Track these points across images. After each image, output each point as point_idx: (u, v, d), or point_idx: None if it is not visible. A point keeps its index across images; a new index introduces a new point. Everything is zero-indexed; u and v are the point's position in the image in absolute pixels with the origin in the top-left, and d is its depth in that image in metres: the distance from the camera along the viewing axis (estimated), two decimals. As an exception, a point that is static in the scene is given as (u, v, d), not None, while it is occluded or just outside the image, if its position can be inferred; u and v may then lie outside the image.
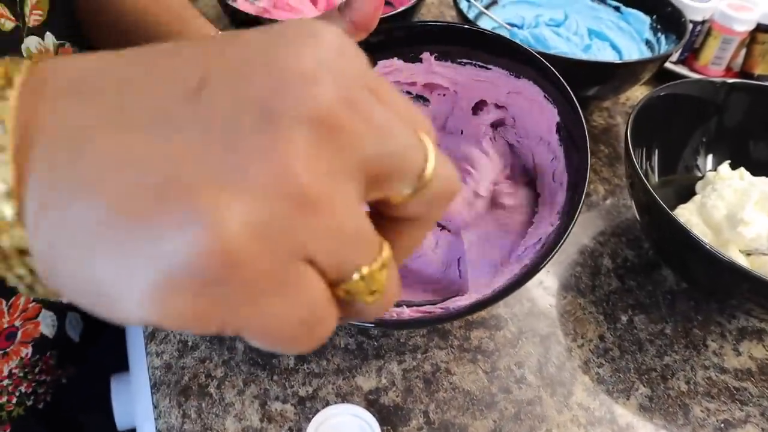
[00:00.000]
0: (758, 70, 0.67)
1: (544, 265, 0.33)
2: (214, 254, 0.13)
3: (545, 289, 0.45)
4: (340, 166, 0.14)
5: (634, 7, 0.64)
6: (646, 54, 0.62)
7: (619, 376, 0.40)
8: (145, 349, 0.40)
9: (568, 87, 0.38)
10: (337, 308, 0.16)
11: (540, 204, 0.41)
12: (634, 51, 0.63)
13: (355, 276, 0.15)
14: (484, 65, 0.42)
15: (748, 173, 0.48)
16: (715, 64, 0.67)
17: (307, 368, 0.39)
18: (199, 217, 0.13)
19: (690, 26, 0.58)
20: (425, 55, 0.42)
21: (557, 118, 0.40)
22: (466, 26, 0.43)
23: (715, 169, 0.51)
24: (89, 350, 0.52)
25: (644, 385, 0.40)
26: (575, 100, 0.38)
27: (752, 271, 0.35)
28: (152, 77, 0.15)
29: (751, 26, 0.64)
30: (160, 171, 0.13)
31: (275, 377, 0.39)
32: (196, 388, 0.38)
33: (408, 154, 0.16)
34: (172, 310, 0.13)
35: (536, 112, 0.41)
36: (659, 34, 0.61)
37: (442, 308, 0.37)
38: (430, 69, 0.43)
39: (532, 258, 0.36)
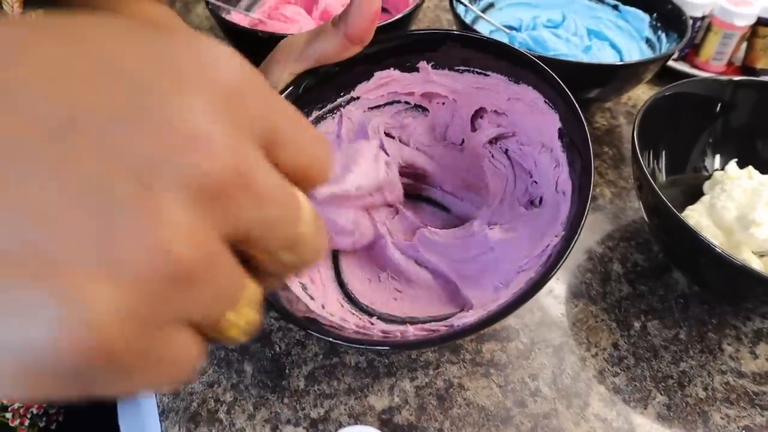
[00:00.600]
0: (760, 64, 0.66)
1: (551, 277, 0.32)
2: (79, 344, 0.11)
3: (555, 297, 0.45)
4: (216, 231, 0.14)
5: (632, 5, 0.64)
6: (647, 52, 0.61)
7: (636, 385, 0.39)
8: (152, 375, 0.39)
9: (568, 91, 0.37)
10: (203, 344, 0.16)
11: (543, 217, 0.40)
12: (634, 50, 0.63)
13: (222, 322, 0.15)
14: (483, 72, 0.41)
15: (756, 172, 0.47)
16: (716, 59, 0.66)
17: (318, 389, 0.38)
18: (60, 301, 0.11)
19: (691, 23, 0.57)
20: (422, 64, 0.41)
21: (559, 124, 0.39)
22: (462, 33, 0.42)
23: (722, 168, 0.50)
24: None
25: (661, 393, 0.39)
26: (576, 104, 0.37)
27: (765, 274, 0.34)
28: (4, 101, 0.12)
29: (752, 21, 0.63)
30: (12, 233, 0.11)
31: (285, 400, 0.38)
32: (205, 413, 0.37)
33: (281, 222, 0.16)
34: (35, 392, 0.12)
35: (537, 118, 0.40)
36: (659, 32, 0.61)
37: (446, 326, 0.36)
38: (428, 78, 0.42)
39: (538, 270, 0.35)
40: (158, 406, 0.38)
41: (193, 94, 0.14)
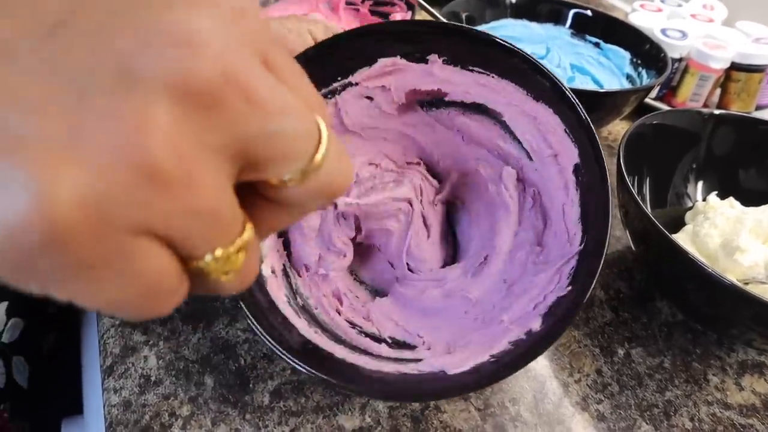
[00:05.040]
0: (734, 108, 0.67)
1: (554, 343, 0.30)
2: (35, 226, 0.11)
3: (537, 320, 0.43)
4: (207, 144, 0.13)
5: (613, 44, 0.65)
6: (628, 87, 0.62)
7: (620, 413, 0.38)
8: (102, 385, 0.36)
9: (591, 125, 0.33)
10: (188, 281, 0.15)
11: (544, 257, 0.37)
12: (615, 85, 0.64)
13: (208, 258, 0.14)
14: (499, 76, 0.37)
15: (737, 202, 0.47)
16: (693, 101, 0.67)
17: (284, 406, 0.35)
18: (25, 179, 0.11)
19: (670, 60, 0.58)
20: (432, 57, 0.37)
21: (577, 159, 0.35)
22: (485, 33, 0.36)
23: (704, 198, 0.50)
24: (39, 401, 0.47)
25: (647, 422, 0.37)
26: (598, 140, 0.33)
27: (757, 295, 0.33)
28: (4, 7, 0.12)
29: (727, 64, 0.65)
30: None
31: (248, 416, 0.35)
32: (158, 428, 0.34)
33: (296, 138, 0.14)
34: None
35: (554, 146, 0.37)
36: (640, 69, 0.62)
37: (417, 371, 0.33)
38: (434, 72, 0.38)
39: (537, 327, 0.32)
40: (105, 419, 0.34)
41: (190, 6, 0.13)
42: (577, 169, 0.35)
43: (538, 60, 0.35)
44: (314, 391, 0.36)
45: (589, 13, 0.67)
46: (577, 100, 0.34)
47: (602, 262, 0.31)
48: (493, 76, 0.37)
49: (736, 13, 0.80)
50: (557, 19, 0.69)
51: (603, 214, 0.32)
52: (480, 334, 0.35)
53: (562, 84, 0.34)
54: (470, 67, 0.37)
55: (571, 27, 0.68)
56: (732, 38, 0.67)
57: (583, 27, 0.68)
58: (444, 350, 0.35)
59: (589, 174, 0.34)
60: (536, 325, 0.33)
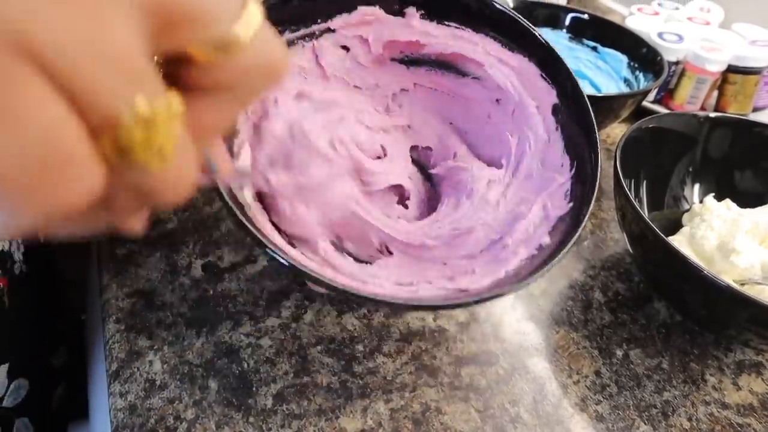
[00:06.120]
0: (731, 110, 0.68)
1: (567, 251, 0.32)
2: None
3: (537, 322, 0.43)
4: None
5: (610, 48, 0.66)
6: (625, 91, 0.63)
7: (619, 414, 0.38)
8: (108, 389, 0.36)
9: (568, 66, 0.37)
10: (100, 158, 0.12)
11: (522, 189, 0.39)
12: (613, 89, 0.64)
13: (127, 115, 0.11)
14: (474, 30, 0.39)
15: (734, 204, 0.48)
16: (690, 103, 0.68)
17: (287, 409, 0.36)
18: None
19: (667, 63, 0.59)
20: (410, 10, 0.38)
21: (555, 100, 0.38)
22: None
23: (701, 200, 0.50)
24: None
25: (645, 423, 0.38)
26: (576, 79, 0.37)
27: (752, 296, 0.33)
28: None
29: (723, 67, 0.65)
30: None
31: (251, 419, 0.35)
32: (163, 431, 0.34)
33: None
34: None
35: (530, 90, 0.39)
36: (637, 72, 0.62)
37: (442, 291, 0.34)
38: (411, 23, 0.39)
39: (544, 245, 0.35)
40: (111, 423, 0.35)
41: None
42: (556, 110, 0.38)
43: (512, 11, 0.38)
44: (316, 394, 0.37)
45: (586, 17, 0.68)
46: (548, 43, 0.37)
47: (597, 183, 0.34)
48: (468, 30, 0.39)
49: (732, 15, 0.80)
50: (555, 23, 0.69)
51: (590, 148, 0.35)
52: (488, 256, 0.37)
53: (538, 34, 0.37)
54: (446, 22, 0.39)
55: (568, 31, 0.69)
56: (728, 41, 0.68)
57: (581, 31, 0.68)
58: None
59: (569, 111, 0.37)
60: (545, 240, 0.35)
